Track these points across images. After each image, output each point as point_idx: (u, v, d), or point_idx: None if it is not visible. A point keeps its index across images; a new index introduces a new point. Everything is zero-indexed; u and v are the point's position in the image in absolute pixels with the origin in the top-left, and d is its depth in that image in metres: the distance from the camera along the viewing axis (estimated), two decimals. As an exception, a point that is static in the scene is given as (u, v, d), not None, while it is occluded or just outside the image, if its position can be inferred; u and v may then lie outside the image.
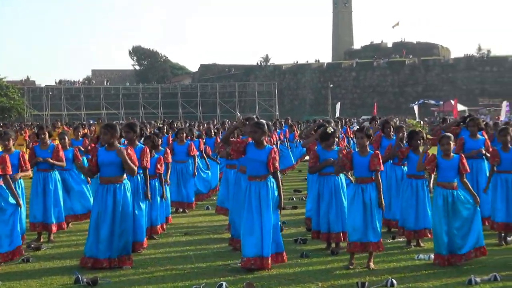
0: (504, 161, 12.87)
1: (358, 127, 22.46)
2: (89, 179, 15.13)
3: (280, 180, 11.06)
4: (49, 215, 13.55)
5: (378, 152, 11.38)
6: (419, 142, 12.60)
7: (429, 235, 12.34)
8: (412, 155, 12.59)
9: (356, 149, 11.79)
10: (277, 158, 10.92)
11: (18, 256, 11.35)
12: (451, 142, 11.28)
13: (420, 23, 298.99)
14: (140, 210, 12.26)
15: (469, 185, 11.46)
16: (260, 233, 10.65)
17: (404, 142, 13.24)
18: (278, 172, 11.00)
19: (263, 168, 10.80)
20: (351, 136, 26.74)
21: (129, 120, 36.18)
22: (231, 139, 11.25)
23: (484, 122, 18.62)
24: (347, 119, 35.84)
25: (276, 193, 10.84)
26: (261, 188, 10.75)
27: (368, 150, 11.29)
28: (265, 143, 10.93)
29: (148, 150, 12.26)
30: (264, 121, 11.16)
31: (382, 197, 11.07)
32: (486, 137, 14.67)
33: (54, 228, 13.68)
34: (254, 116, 12.49)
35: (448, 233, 11.09)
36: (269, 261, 10.71)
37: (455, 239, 11.04)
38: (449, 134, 11.52)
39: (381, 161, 11.11)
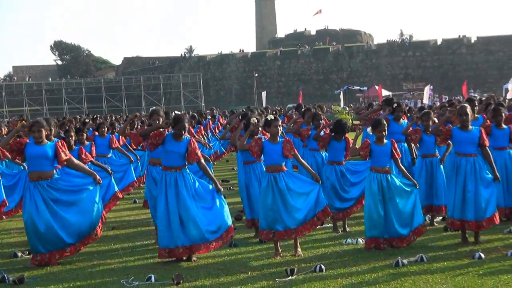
0: (427, 144, 13.03)
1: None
2: None
3: (207, 167, 11.04)
4: None
5: (289, 138, 11.31)
6: (344, 131, 12.72)
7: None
8: (333, 142, 12.67)
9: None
10: (197, 147, 10.91)
11: None
12: (385, 128, 11.31)
13: (342, 10, 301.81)
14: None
15: (404, 170, 11.55)
16: (178, 223, 10.60)
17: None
18: (202, 160, 10.93)
19: (180, 159, 10.73)
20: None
21: (54, 116, 35.65)
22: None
23: (408, 107, 18.90)
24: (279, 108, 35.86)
25: (197, 184, 10.81)
26: (178, 179, 10.67)
27: (278, 139, 11.23)
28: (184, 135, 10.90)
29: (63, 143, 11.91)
30: (180, 113, 11.11)
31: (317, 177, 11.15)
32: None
33: None
34: (160, 108, 12.38)
35: (385, 217, 11.14)
36: (192, 250, 10.71)
37: (392, 223, 11.11)
38: (384, 121, 11.52)
39: (294, 148, 11.09)
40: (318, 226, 11.70)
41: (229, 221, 10.96)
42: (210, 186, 10.94)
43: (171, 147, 10.74)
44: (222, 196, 11.02)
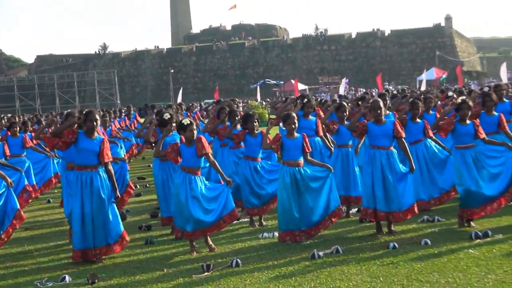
0: (342, 135, 13.18)
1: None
2: None
3: (112, 171, 10.85)
4: None
5: (201, 136, 11.25)
6: (254, 124, 12.71)
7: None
8: (248, 138, 12.68)
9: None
10: (109, 147, 10.81)
11: None
12: (295, 121, 11.33)
13: (257, 5, 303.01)
14: None
15: (315, 160, 11.65)
16: (92, 225, 10.51)
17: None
18: (110, 162, 10.83)
19: (95, 157, 10.59)
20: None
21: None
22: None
23: (324, 100, 19.06)
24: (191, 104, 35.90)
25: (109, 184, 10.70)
26: (94, 178, 10.52)
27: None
28: (98, 133, 10.79)
29: None
30: (94, 110, 10.96)
31: (228, 179, 11.08)
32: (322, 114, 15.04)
33: None
34: (76, 110, 12.20)
35: (300, 209, 11.16)
36: (105, 251, 10.61)
37: (308, 213, 11.16)
38: (293, 114, 11.54)
39: (206, 146, 11.02)
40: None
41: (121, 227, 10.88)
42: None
43: (84, 144, 10.55)
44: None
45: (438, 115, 13.18)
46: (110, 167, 10.76)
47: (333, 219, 11.42)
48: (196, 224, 10.78)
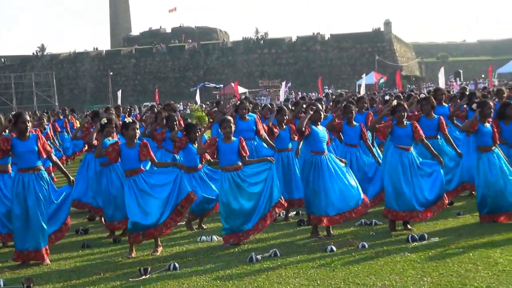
0: (281, 139, 13.34)
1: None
2: None
3: (58, 161, 10.90)
4: None
5: (146, 142, 11.19)
6: (197, 134, 12.62)
7: None
8: (190, 146, 12.65)
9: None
10: (46, 142, 10.72)
11: None
12: (231, 125, 11.34)
13: (197, 8, 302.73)
14: None
15: (253, 160, 11.73)
16: (25, 226, 10.48)
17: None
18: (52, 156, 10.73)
19: (36, 158, 10.50)
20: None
21: None
22: None
23: (254, 104, 19.20)
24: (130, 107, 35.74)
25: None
26: (36, 180, 10.46)
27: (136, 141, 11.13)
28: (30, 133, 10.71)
29: None
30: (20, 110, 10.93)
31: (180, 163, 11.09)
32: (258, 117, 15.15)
33: None
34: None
35: (241, 211, 11.18)
36: (43, 253, 10.52)
37: (250, 213, 11.22)
38: (229, 117, 11.56)
39: (150, 151, 10.97)
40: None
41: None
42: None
43: (20, 148, 10.46)
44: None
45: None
46: (54, 157, 10.73)
47: (277, 209, 11.48)
48: (145, 222, 10.70)
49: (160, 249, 11.01)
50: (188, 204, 11.12)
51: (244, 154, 11.35)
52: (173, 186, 10.90)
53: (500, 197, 11.76)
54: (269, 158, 11.64)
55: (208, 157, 11.72)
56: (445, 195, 11.79)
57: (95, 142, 12.40)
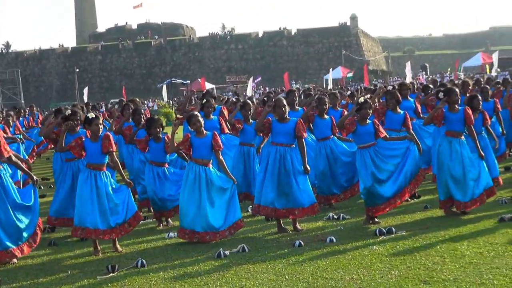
0: (246, 133, 13.55)
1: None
2: None
3: (18, 161, 10.65)
4: None
5: (108, 134, 11.11)
6: (158, 129, 12.58)
7: None
8: (151, 143, 12.58)
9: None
10: (5, 142, 10.43)
11: None
12: (200, 119, 11.28)
13: (163, 4, 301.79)
14: None
15: (223, 161, 11.49)
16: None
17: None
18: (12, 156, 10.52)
19: None
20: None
21: None
22: None
23: (227, 99, 19.19)
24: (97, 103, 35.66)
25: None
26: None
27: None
28: None
29: None
30: None
31: (128, 180, 11.07)
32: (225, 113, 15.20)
33: None
34: None
35: (198, 209, 11.06)
36: (15, 253, 10.24)
37: (204, 216, 11.04)
38: (196, 112, 11.53)
39: (112, 143, 10.92)
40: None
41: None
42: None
43: None
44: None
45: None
46: (14, 158, 10.45)
47: (233, 231, 11.37)
48: (99, 224, 10.64)
49: (118, 246, 10.98)
50: (136, 223, 11.13)
51: (217, 148, 11.31)
52: (123, 204, 10.91)
53: (456, 184, 11.85)
54: (233, 178, 11.48)
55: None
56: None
57: (53, 135, 12.39)
